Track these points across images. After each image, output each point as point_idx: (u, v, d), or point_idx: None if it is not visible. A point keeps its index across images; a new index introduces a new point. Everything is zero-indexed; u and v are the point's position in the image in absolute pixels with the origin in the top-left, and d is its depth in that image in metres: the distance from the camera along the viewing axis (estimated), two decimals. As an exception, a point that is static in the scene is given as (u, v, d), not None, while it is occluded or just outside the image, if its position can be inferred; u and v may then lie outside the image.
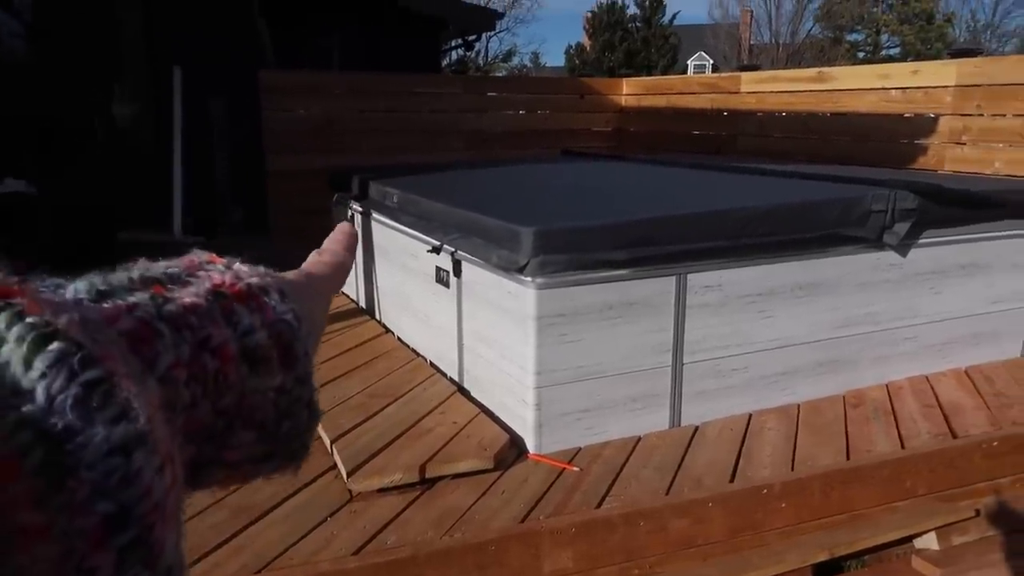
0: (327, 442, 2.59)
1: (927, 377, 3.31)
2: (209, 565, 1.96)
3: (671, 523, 2.29)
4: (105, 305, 0.27)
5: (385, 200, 3.70)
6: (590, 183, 3.87)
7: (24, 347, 0.22)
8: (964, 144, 4.71)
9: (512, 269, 2.55)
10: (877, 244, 3.05)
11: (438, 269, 3.15)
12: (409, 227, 3.41)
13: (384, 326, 3.89)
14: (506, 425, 2.70)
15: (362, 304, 4.28)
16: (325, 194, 5.09)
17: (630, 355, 2.68)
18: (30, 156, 5.70)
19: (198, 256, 0.34)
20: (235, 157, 6.65)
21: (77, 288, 0.28)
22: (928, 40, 32.54)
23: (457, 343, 3.07)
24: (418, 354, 3.46)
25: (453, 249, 2.97)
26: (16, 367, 0.22)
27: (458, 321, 3.04)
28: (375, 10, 8.23)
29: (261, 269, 0.35)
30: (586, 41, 29.76)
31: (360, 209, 4.11)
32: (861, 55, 34.64)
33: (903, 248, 3.12)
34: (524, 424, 2.62)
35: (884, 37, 35.51)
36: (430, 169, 4.60)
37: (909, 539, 2.62)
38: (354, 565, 1.97)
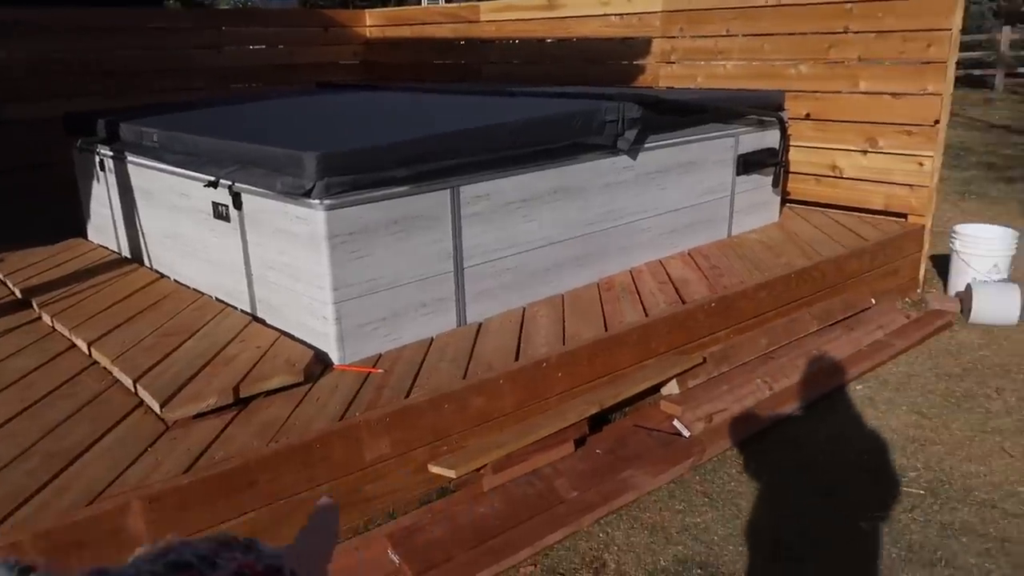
0: (129, 382, 2.59)
1: (660, 261, 3.95)
2: (36, 506, 1.96)
3: (470, 402, 2.63)
4: None
5: (143, 140, 3.56)
6: (356, 111, 4.00)
7: None
8: (673, 63, 5.44)
9: (298, 194, 2.67)
10: (613, 150, 3.55)
11: (215, 204, 3.16)
12: (176, 166, 3.34)
13: (157, 272, 3.78)
14: (309, 344, 2.86)
15: (126, 254, 4.09)
16: (52, 145, 4.69)
17: (417, 265, 2.94)
18: None
19: (224, 537, 0.42)
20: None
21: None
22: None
23: (245, 275, 3.13)
24: (202, 293, 3.45)
25: (230, 182, 3.00)
26: None
27: (244, 253, 3.09)
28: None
29: (280, 551, 0.43)
30: (314, -29, 28.45)
31: (111, 153, 3.89)
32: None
33: (633, 152, 3.65)
34: (327, 339, 2.80)
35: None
36: (185, 106, 4.42)
37: (657, 388, 3.21)
38: (188, 481, 2.08)
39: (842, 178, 4.81)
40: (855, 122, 4.65)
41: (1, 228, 4.90)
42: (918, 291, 4.67)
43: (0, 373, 2.75)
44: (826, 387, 3.40)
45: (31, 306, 3.42)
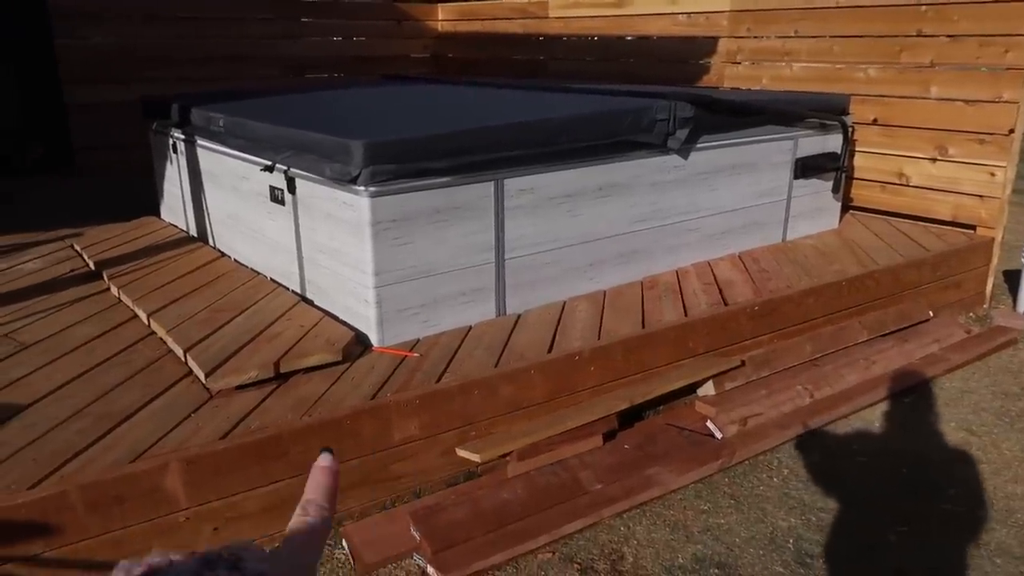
0: (180, 352, 2.74)
1: (708, 262, 3.92)
2: (83, 462, 2.11)
3: (500, 390, 2.69)
4: None
5: (210, 125, 3.73)
6: (413, 102, 4.10)
7: None
8: (739, 63, 5.36)
9: (345, 180, 2.77)
10: (663, 149, 3.55)
11: (272, 188, 3.29)
12: (238, 150, 3.50)
13: (219, 251, 3.97)
14: (351, 325, 2.96)
15: (193, 233, 4.30)
16: (135, 127, 4.95)
17: (458, 254, 3.01)
18: None
19: (210, 554, 0.44)
20: (28, 89, 6.20)
21: None
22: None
23: (297, 257, 3.26)
24: (258, 273, 3.60)
25: (286, 167, 3.13)
26: None
27: (296, 235, 3.22)
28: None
29: (265, 565, 0.44)
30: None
31: (183, 136, 4.10)
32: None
33: (684, 151, 3.64)
34: (367, 322, 2.90)
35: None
36: (253, 93, 4.61)
37: (693, 388, 3.20)
38: (223, 447, 2.20)
39: (909, 186, 4.66)
40: (924, 128, 4.50)
41: (83, 204, 5.22)
42: (984, 306, 4.50)
43: (66, 339, 2.94)
44: (871, 398, 3.32)
45: (102, 278, 3.64)
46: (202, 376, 2.56)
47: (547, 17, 6.78)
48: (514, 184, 3.09)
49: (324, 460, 0.54)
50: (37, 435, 2.25)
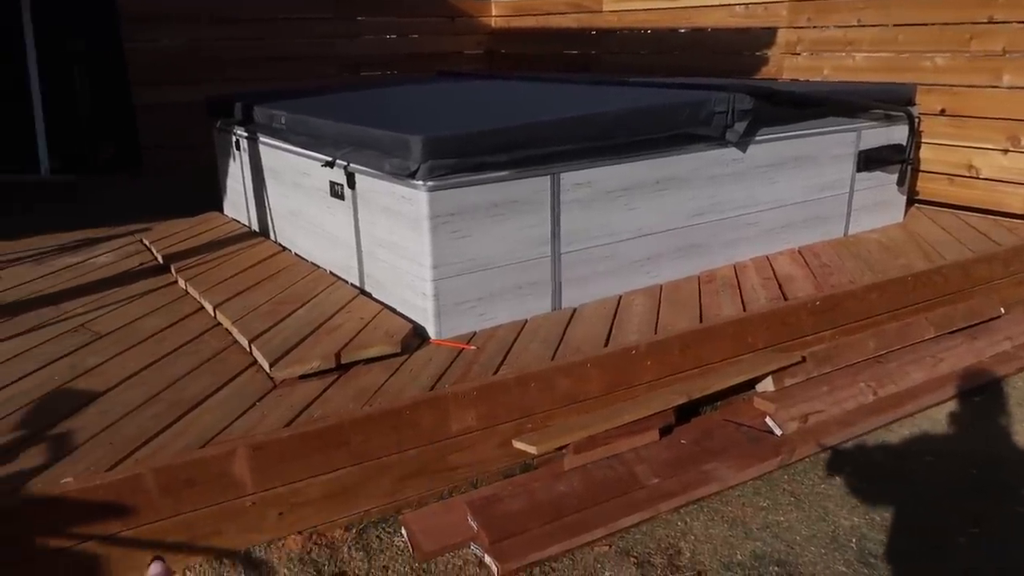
0: (245, 343, 2.82)
1: (767, 256, 3.86)
2: (156, 446, 2.19)
3: (557, 382, 2.69)
4: None
5: (272, 122, 3.82)
6: (469, 97, 4.13)
7: None
8: (799, 54, 5.25)
9: (404, 175, 2.81)
10: (721, 141, 3.50)
11: (332, 183, 3.36)
12: (300, 147, 3.58)
13: (280, 245, 4.06)
14: (409, 318, 3.00)
15: (255, 228, 4.41)
16: (200, 127, 5.09)
17: (514, 248, 3.03)
18: None
19: None
20: (99, 91, 6.43)
21: None
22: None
23: (356, 250, 3.32)
24: (318, 267, 3.68)
25: (346, 162, 3.18)
26: None
27: (355, 230, 3.28)
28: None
29: None
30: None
31: (245, 134, 4.20)
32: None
33: (743, 144, 3.58)
34: (425, 314, 2.94)
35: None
36: (313, 91, 4.71)
37: (752, 384, 3.15)
38: (287, 435, 2.26)
39: (978, 179, 4.51)
40: (996, 119, 4.35)
41: (152, 201, 5.40)
42: (1058, 303, 4.32)
43: (137, 330, 3.06)
44: (938, 397, 3.23)
45: (170, 271, 3.77)
46: (266, 366, 2.63)
47: (600, 11, 6.75)
48: (570, 178, 3.09)
49: (155, 569, 0.59)
50: (112, 420, 2.34)
